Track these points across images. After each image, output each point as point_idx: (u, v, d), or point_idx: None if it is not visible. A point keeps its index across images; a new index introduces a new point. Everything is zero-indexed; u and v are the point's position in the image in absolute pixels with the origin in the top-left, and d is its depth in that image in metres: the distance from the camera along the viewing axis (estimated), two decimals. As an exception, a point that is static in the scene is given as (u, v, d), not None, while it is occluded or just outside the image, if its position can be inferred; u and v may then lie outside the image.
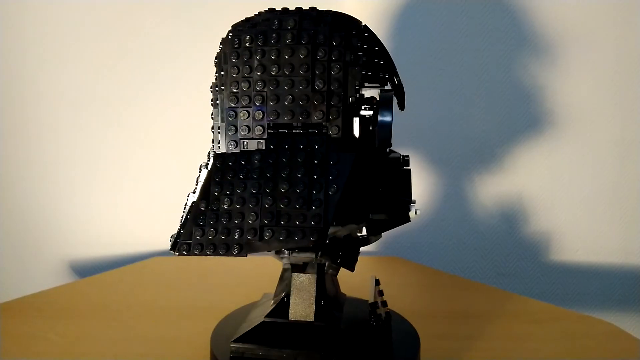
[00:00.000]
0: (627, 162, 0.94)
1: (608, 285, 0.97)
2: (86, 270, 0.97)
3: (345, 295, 0.57)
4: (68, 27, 0.92)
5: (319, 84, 0.43)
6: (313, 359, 0.46)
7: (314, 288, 0.49)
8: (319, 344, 0.47)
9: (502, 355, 0.57)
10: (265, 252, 0.50)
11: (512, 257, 0.97)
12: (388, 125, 0.45)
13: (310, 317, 0.48)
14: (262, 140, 0.45)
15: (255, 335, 0.48)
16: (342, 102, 0.43)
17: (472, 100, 0.94)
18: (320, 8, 0.48)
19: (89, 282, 0.81)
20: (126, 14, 0.92)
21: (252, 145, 0.46)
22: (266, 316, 0.50)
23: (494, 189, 0.96)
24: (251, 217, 0.41)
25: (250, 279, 0.81)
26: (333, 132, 0.44)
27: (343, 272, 0.49)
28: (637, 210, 0.95)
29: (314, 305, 0.48)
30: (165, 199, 0.95)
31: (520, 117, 0.94)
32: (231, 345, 0.48)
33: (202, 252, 0.41)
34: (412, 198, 0.50)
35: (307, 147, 0.42)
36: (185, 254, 0.42)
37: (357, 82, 0.44)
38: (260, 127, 0.45)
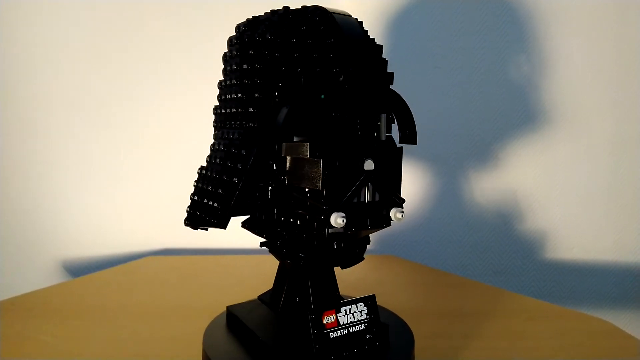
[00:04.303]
0: (622, 160, 0.95)
1: (603, 283, 0.97)
2: (79, 269, 0.96)
3: (341, 296, 0.56)
4: (62, 28, 0.91)
5: (245, 79, 0.44)
6: (257, 343, 0.47)
7: (285, 280, 0.50)
8: (274, 334, 0.47)
9: (497, 354, 0.56)
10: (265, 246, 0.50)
11: (507, 255, 0.97)
12: (278, 123, 0.42)
13: (279, 308, 0.49)
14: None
15: (244, 307, 0.53)
16: (262, 95, 0.43)
17: (468, 98, 0.93)
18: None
19: (82, 282, 0.80)
20: (120, 15, 0.91)
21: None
22: (259, 296, 0.53)
23: (489, 187, 0.96)
24: (192, 195, 0.48)
25: (244, 278, 0.80)
26: (251, 124, 0.44)
27: (344, 272, 0.49)
28: (632, 208, 0.96)
29: (281, 298, 0.49)
30: (159, 199, 0.94)
31: (516, 115, 0.94)
32: (226, 308, 0.54)
33: (186, 221, 0.47)
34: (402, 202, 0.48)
35: (229, 138, 0.46)
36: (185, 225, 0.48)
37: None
38: (217, 119, 0.49)
